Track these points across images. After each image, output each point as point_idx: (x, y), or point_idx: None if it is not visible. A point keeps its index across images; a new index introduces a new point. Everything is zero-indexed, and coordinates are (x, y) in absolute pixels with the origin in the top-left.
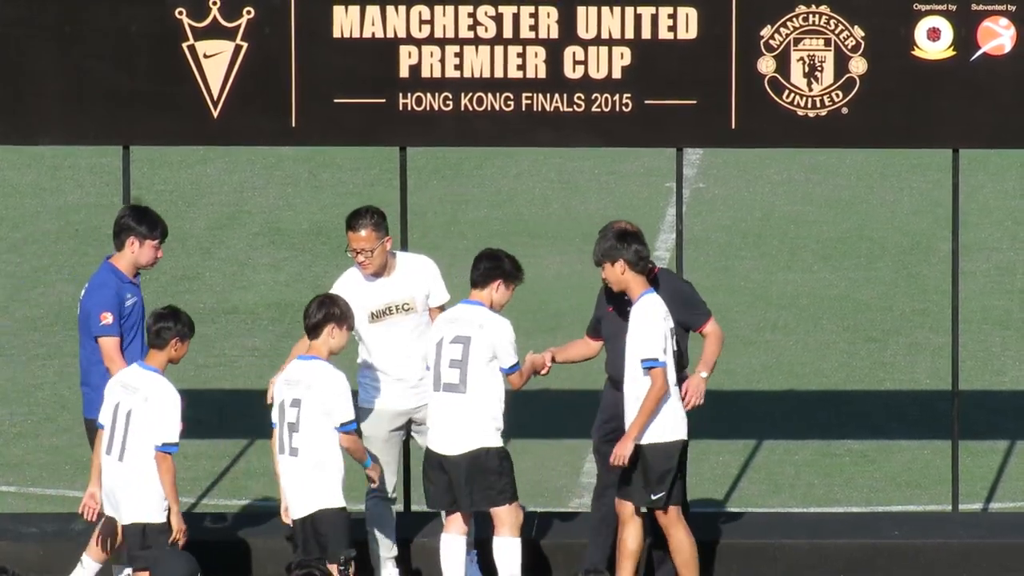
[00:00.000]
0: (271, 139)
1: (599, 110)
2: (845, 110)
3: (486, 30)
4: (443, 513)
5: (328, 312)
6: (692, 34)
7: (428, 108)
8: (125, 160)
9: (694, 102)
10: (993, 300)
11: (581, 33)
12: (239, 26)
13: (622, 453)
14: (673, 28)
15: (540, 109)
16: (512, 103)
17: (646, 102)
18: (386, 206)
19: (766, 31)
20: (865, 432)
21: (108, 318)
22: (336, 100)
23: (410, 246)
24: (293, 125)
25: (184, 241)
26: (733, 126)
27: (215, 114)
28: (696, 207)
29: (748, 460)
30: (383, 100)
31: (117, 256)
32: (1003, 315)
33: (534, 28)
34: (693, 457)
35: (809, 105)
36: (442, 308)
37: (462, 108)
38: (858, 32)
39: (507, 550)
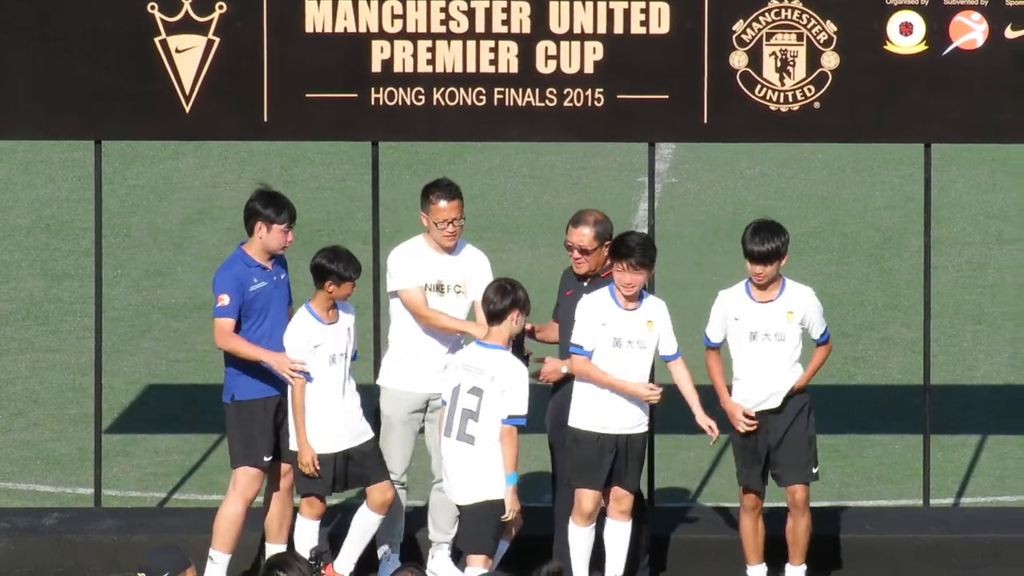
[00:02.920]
0: (243, 134)
1: (571, 105)
2: (817, 105)
3: (458, 24)
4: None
5: (514, 298)
6: (664, 29)
7: (400, 103)
8: (97, 155)
9: (666, 97)
10: (965, 295)
11: (553, 27)
12: (211, 21)
13: None
14: (645, 23)
15: (512, 104)
16: (484, 98)
17: (618, 97)
18: (358, 201)
19: (738, 26)
20: (837, 426)
21: (224, 299)
22: (308, 95)
23: (382, 241)
24: (265, 120)
25: (156, 236)
26: (705, 121)
27: (187, 109)
28: (668, 202)
29: (719, 455)
30: (355, 95)
31: (248, 242)
32: (975, 310)
33: (506, 23)
34: (663, 452)
35: (781, 100)
36: None
37: (434, 103)
38: (830, 27)
39: (617, 532)
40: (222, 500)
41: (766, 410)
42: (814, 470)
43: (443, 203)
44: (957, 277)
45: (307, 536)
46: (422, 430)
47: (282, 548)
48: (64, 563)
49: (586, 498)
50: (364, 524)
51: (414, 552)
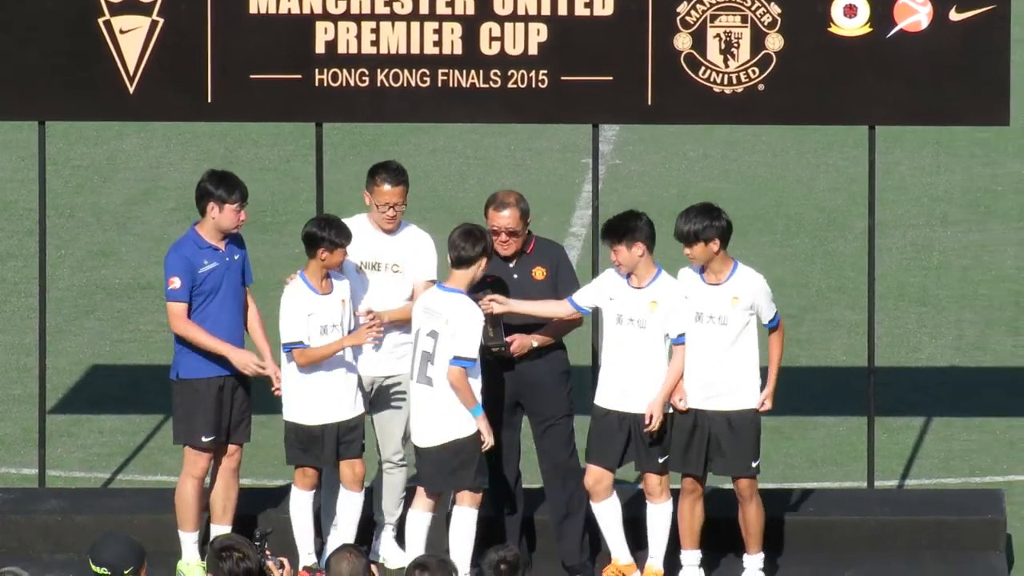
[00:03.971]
0: (187, 115)
1: (515, 86)
2: (761, 86)
3: (402, 6)
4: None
5: (484, 246)
6: (608, 10)
7: (344, 84)
8: (41, 135)
9: (610, 78)
10: (909, 277)
11: (497, 9)
12: (155, 2)
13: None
14: (590, 4)
15: (456, 85)
16: (428, 79)
17: (562, 78)
18: (302, 182)
19: (682, 7)
20: (780, 409)
21: (175, 283)
22: (252, 76)
23: None
24: (209, 101)
25: (100, 216)
26: (649, 102)
27: (131, 89)
28: (612, 183)
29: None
30: (299, 76)
31: (201, 222)
32: (919, 292)
33: (450, 4)
34: None
35: (725, 82)
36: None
37: (378, 84)
38: (775, 8)
39: (651, 516)
40: (166, 480)
41: (712, 409)
42: (754, 464)
43: (387, 187)
44: (901, 259)
45: (301, 508)
46: (368, 414)
47: (226, 529)
48: (8, 544)
49: (589, 474)
50: (344, 504)
51: (357, 533)
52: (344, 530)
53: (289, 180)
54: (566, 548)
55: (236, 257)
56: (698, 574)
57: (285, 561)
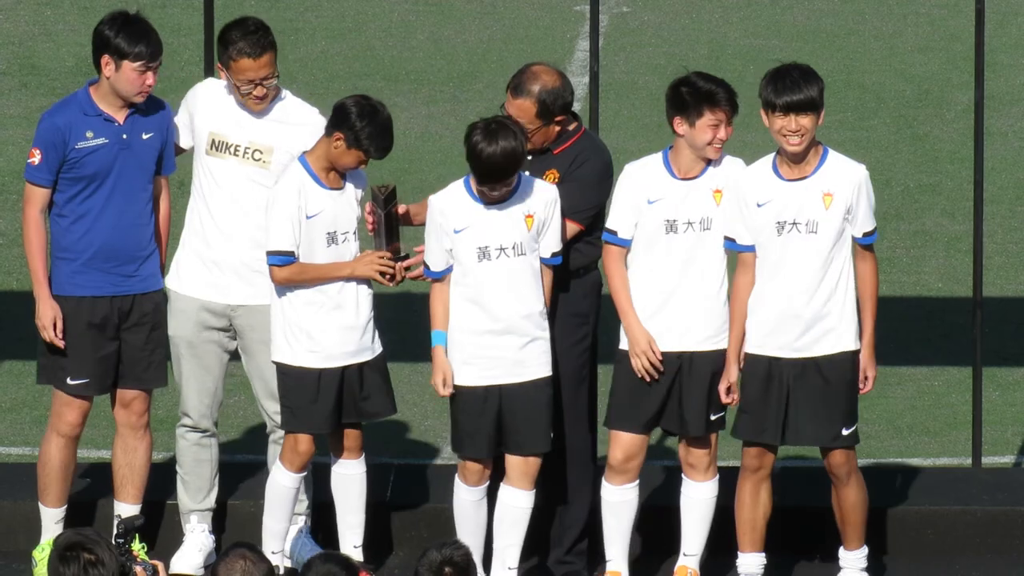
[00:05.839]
0: None
1: None
2: None
3: None
4: None
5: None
6: None
7: None
8: None
9: None
10: None
11: None
12: None
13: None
14: None
15: None
16: None
17: None
18: (184, 36)
19: None
20: None
21: (35, 156)
22: None
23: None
24: None
25: None
26: None
27: None
28: (618, 40)
29: None
30: None
31: (97, 82)
32: None
33: None
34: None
35: None
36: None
37: None
38: None
39: (688, 496)
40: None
41: (793, 357)
42: (844, 432)
43: (247, 59)
44: (1020, 147)
45: (281, 498)
46: (236, 355)
47: (133, 509)
48: None
49: (616, 444)
50: (343, 481)
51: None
52: (354, 513)
53: (157, 26)
54: (556, 548)
55: (146, 136)
56: None
57: (159, 567)
